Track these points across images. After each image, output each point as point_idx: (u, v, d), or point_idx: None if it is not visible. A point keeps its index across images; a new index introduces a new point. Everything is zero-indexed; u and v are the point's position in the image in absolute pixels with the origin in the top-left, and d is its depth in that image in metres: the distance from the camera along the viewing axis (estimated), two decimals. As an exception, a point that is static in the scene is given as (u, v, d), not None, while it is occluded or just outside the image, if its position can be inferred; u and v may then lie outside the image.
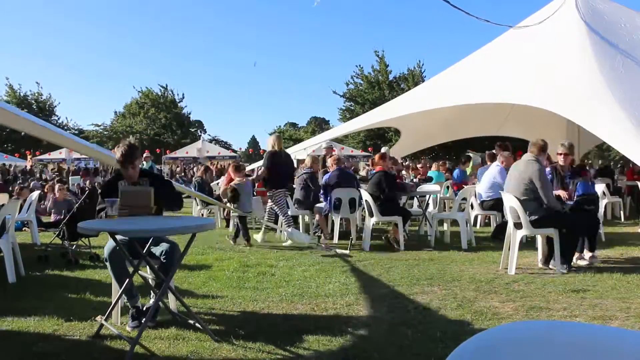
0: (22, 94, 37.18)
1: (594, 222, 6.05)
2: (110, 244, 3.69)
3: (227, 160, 27.94)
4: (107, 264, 3.72)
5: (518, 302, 4.33)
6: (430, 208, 8.64)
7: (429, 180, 10.32)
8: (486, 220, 9.43)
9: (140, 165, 4.14)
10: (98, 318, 3.69)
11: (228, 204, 8.01)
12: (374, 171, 7.75)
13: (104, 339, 3.52)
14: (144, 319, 3.44)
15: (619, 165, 13.19)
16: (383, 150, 10.67)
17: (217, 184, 11.79)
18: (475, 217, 8.79)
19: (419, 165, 12.52)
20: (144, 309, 3.79)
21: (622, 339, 0.79)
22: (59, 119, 38.98)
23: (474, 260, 6.19)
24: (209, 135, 49.19)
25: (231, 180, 9.63)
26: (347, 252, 6.83)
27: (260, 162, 16.70)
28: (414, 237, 8.19)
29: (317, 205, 8.31)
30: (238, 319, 4.00)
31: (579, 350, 0.79)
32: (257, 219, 9.72)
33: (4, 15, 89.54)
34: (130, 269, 3.68)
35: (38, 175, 21.57)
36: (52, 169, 26.99)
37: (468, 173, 11.35)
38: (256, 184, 12.18)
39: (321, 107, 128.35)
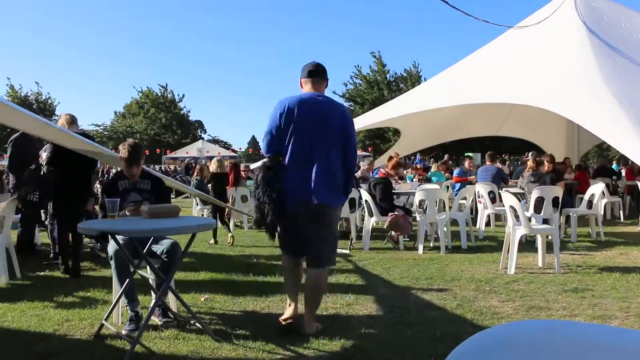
0: (22, 94, 37.23)
1: None
2: (114, 242, 3.68)
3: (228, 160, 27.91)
4: (112, 262, 3.71)
5: (518, 301, 4.33)
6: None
7: (428, 180, 10.32)
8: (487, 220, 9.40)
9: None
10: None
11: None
12: (380, 175, 7.71)
13: (104, 339, 3.52)
14: (143, 321, 3.44)
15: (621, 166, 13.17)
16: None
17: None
18: (488, 216, 8.62)
19: (417, 165, 12.51)
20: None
21: (622, 338, 0.79)
22: (59, 118, 38.99)
23: (474, 260, 6.19)
24: (209, 135, 49.27)
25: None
26: (347, 251, 6.83)
27: (260, 163, 16.70)
28: (414, 237, 8.18)
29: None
30: (238, 319, 4.00)
31: (579, 349, 0.79)
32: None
33: (4, 17, 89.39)
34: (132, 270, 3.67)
35: None
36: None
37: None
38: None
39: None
